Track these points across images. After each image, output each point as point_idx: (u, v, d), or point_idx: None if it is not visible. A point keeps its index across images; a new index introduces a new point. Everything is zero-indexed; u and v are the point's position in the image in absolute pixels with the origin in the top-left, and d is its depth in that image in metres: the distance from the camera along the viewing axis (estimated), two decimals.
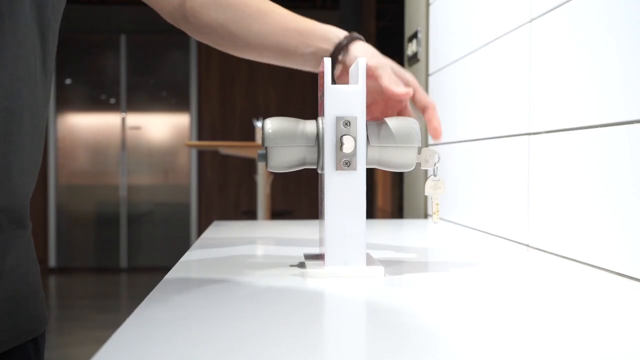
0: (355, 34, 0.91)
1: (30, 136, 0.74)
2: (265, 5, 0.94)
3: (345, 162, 0.75)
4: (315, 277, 0.76)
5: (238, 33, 0.94)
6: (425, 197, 1.77)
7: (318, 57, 0.91)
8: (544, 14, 0.99)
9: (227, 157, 5.95)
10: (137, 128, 6.05)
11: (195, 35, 0.98)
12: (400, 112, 0.90)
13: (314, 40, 0.91)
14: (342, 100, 0.75)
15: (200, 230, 6.02)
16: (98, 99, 6.04)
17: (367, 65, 0.85)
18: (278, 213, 5.13)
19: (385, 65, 0.86)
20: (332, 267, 0.76)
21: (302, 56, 0.93)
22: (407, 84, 0.87)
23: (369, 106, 0.90)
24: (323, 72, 0.76)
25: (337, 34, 0.91)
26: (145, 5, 0.98)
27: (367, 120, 0.77)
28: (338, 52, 0.90)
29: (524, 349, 0.51)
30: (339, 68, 0.90)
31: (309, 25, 0.93)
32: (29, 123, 0.74)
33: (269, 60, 0.96)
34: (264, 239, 1.25)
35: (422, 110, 0.88)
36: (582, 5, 0.89)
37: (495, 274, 0.83)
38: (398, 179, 7.55)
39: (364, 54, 0.87)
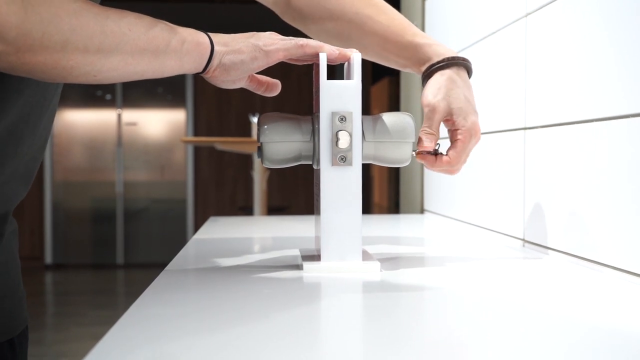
0: (455, 59, 0.86)
1: (27, 155, 0.74)
2: (363, 9, 0.91)
3: (341, 158, 0.75)
4: (311, 273, 0.76)
5: (336, 39, 0.94)
6: (422, 193, 1.77)
7: (417, 72, 0.91)
8: (540, 8, 0.99)
9: (223, 153, 5.94)
10: (133, 124, 6.04)
11: (299, 27, 0.97)
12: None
13: (413, 60, 0.90)
14: (338, 95, 0.75)
15: (197, 226, 6.01)
16: (94, 95, 6.02)
17: (422, 102, 0.84)
18: (274, 209, 5.13)
19: (430, 114, 0.83)
20: (328, 263, 0.76)
21: (402, 67, 0.93)
22: (457, 136, 0.84)
23: None
24: (318, 67, 0.76)
25: (433, 56, 0.88)
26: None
27: (362, 116, 0.77)
28: (425, 77, 0.88)
29: (521, 343, 0.51)
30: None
31: (408, 39, 0.89)
32: (29, 144, 0.74)
33: (369, 59, 0.96)
34: (261, 235, 1.25)
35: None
36: None
37: (491, 269, 0.84)
38: (394, 174, 7.55)
39: (433, 86, 0.85)
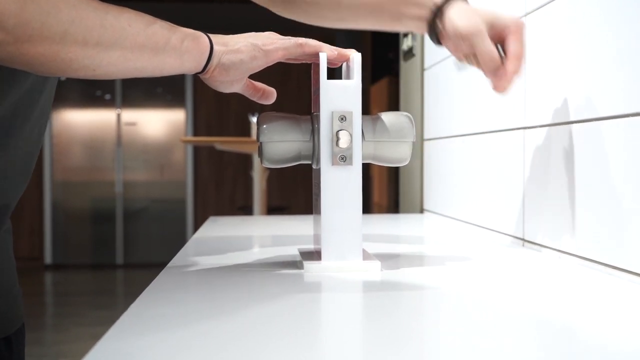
0: None
1: (21, 149, 0.75)
2: None
3: (341, 157, 0.75)
4: (311, 272, 0.76)
5: (327, 8, 0.90)
6: (421, 192, 1.77)
7: (417, 22, 0.86)
8: (539, 7, 0.99)
9: (222, 153, 5.93)
10: (133, 124, 6.04)
11: (285, 12, 0.93)
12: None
13: (409, 6, 0.85)
14: (338, 95, 0.75)
15: (196, 226, 6.01)
16: (93, 96, 6.01)
17: (457, 33, 0.80)
18: (274, 208, 5.13)
19: (479, 34, 0.79)
20: (328, 262, 0.76)
21: (399, 22, 0.88)
22: (509, 33, 0.80)
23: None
24: (318, 67, 0.76)
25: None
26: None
27: (362, 115, 0.77)
28: (435, 17, 0.83)
29: (521, 343, 0.51)
30: (440, 34, 0.84)
31: None
32: (21, 137, 0.74)
33: (366, 27, 0.91)
34: (260, 235, 1.25)
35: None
36: None
37: (491, 269, 0.84)
38: (394, 173, 7.55)
39: (459, 18, 0.80)
